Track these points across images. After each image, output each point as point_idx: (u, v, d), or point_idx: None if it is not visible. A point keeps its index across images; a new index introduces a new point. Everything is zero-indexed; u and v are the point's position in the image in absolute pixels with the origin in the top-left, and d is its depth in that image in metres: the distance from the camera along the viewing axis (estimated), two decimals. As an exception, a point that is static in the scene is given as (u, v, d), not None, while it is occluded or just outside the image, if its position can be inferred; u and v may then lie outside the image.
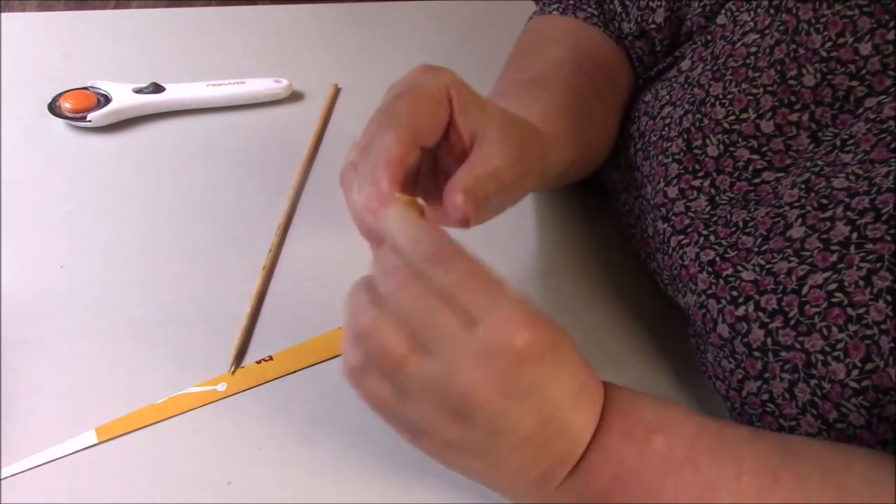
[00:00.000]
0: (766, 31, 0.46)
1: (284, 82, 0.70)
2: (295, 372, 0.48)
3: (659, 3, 0.54)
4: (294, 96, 0.71)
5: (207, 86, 0.69)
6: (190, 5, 0.86)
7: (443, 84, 0.39)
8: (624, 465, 0.35)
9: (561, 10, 0.60)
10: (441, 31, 0.82)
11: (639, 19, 0.55)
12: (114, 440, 0.44)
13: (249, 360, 0.49)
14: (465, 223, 0.37)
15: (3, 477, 0.42)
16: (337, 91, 0.72)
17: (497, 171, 0.39)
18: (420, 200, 0.37)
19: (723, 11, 0.50)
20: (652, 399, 0.37)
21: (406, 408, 0.34)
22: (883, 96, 0.41)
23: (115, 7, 0.99)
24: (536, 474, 0.36)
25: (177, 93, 0.68)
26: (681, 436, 0.35)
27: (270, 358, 0.49)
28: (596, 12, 0.59)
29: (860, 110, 0.42)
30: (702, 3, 0.51)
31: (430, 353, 0.33)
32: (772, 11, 0.46)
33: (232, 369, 0.48)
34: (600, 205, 0.59)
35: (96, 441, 0.44)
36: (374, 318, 0.33)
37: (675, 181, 0.47)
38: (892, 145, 0.38)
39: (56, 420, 0.44)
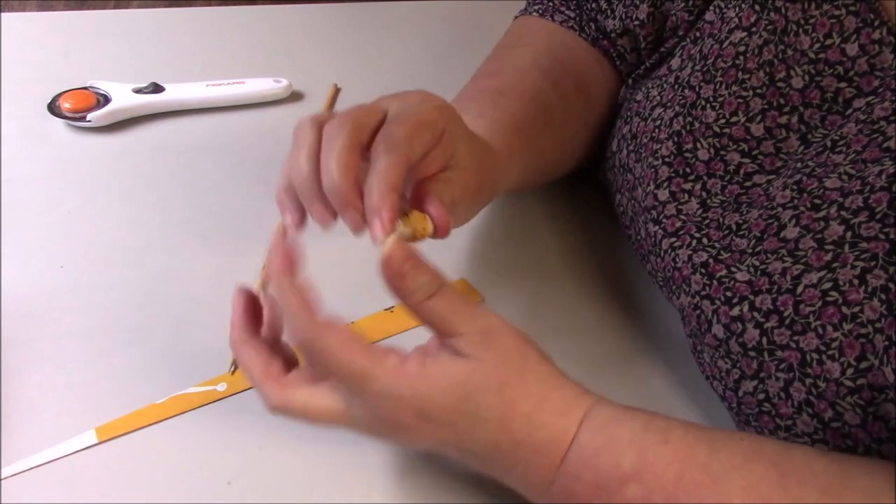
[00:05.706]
0: (754, 30, 0.46)
1: (284, 82, 0.70)
2: (294, 372, 0.48)
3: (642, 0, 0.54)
4: (294, 96, 0.71)
5: (207, 86, 0.69)
6: (190, 5, 0.86)
7: (440, 115, 0.41)
8: None
9: (540, 12, 0.61)
10: (441, 31, 0.82)
11: (623, 16, 0.55)
12: (114, 440, 0.44)
13: (249, 360, 0.49)
14: (445, 232, 0.40)
15: (3, 477, 0.42)
16: (337, 91, 0.72)
17: (459, 196, 0.42)
18: (425, 216, 0.39)
19: (711, 7, 0.50)
20: (637, 430, 0.36)
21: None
22: (871, 97, 0.41)
23: (115, 7, 0.99)
24: (531, 481, 0.37)
25: (176, 93, 0.68)
26: (661, 479, 0.34)
27: (270, 358, 0.49)
28: (573, 15, 0.59)
29: (849, 111, 0.42)
30: None
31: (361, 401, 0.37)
32: (757, 8, 0.46)
33: (232, 369, 0.48)
34: (600, 205, 0.59)
35: (96, 441, 0.44)
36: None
37: (665, 184, 0.47)
38: (884, 145, 0.39)
39: (56, 420, 0.44)
